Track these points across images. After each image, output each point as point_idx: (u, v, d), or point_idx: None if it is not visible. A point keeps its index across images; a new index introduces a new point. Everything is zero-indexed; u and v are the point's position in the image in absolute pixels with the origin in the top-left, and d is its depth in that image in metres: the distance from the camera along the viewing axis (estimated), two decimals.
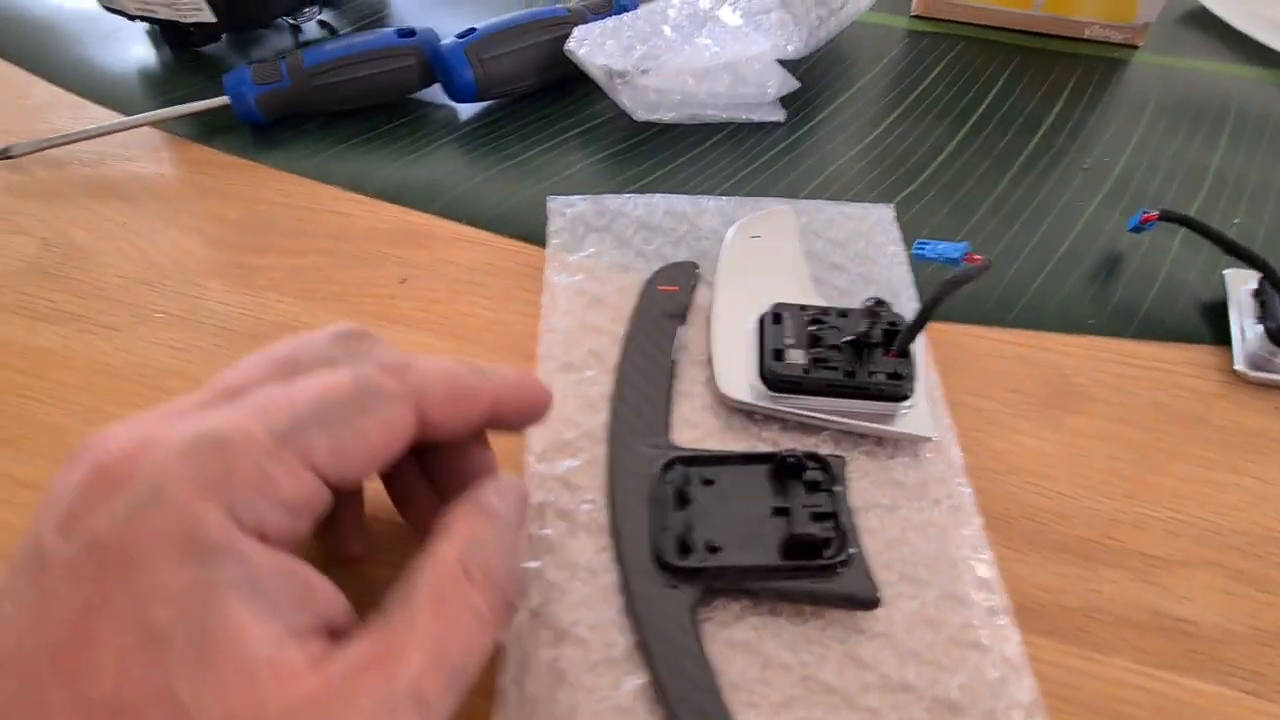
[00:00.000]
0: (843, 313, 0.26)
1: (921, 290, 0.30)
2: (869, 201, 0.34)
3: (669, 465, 0.23)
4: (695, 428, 0.26)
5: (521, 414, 0.21)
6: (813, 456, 0.23)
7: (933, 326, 0.29)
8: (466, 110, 0.39)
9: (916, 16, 0.45)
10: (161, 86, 0.41)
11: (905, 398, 0.25)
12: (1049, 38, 0.44)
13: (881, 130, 0.38)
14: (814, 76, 0.41)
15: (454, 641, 0.16)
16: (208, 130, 0.38)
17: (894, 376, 0.25)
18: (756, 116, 0.37)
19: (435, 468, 0.21)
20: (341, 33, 0.44)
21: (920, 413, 0.25)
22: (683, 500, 0.22)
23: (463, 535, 0.17)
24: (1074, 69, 0.42)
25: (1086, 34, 0.44)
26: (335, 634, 0.15)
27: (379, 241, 0.33)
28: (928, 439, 0.24)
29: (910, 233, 0.32)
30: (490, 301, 0.30)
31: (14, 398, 0.27)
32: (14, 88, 0.41)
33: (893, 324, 0.25)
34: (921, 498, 0.24)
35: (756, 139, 0.37)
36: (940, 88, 0.41)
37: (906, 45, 0.44)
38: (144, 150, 0.37)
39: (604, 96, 0.37)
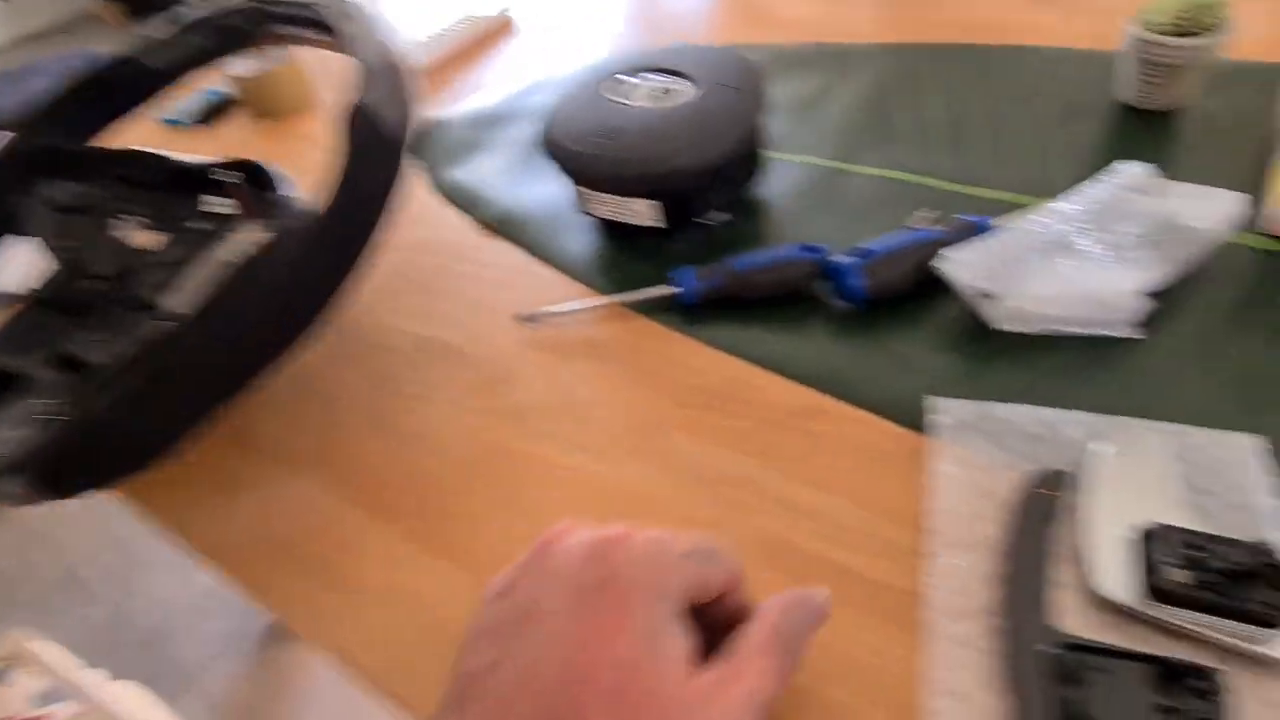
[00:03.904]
0: (1229, 541, 0.31)
1: None
2: (1234, 430, 0.37)
3: (1067, 649, 0.29)
4: (1069, 615, 0.32)
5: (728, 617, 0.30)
6: (1196, 667, 0.28)
7: None
8: (842, 305, 0.50)
9: (1269, 235, 0.48)
10: (611, 270, 0.57)
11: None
12: None
13: (1241, 355, 0.41)
14: (1170, 298, 0.45)
15: (768, 672, 0.26)
16: (651, 309, 0.52)
17: (1273, 607, 0.29)
18: (1114, 332, 0.43)
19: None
20: (736, 226, 0.58)
21: None
22: (1076, 682, 0.28)
23: (779, 608, 0.28)
24: None
25: None
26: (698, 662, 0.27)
27: (788, 412, 0.43)
28: None
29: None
30: (877, 474, 0.39)
31: (547, 496, 0.41)
32: (519, 267, 0.59)
33: (1274, 558, 0.29)
34: None
35: (1114, 354, 0.43)
36: None
37: (1262, 264, 0.46)
38: (612, 321, 0.52)
39: (964, 305, 0.45)
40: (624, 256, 0.58)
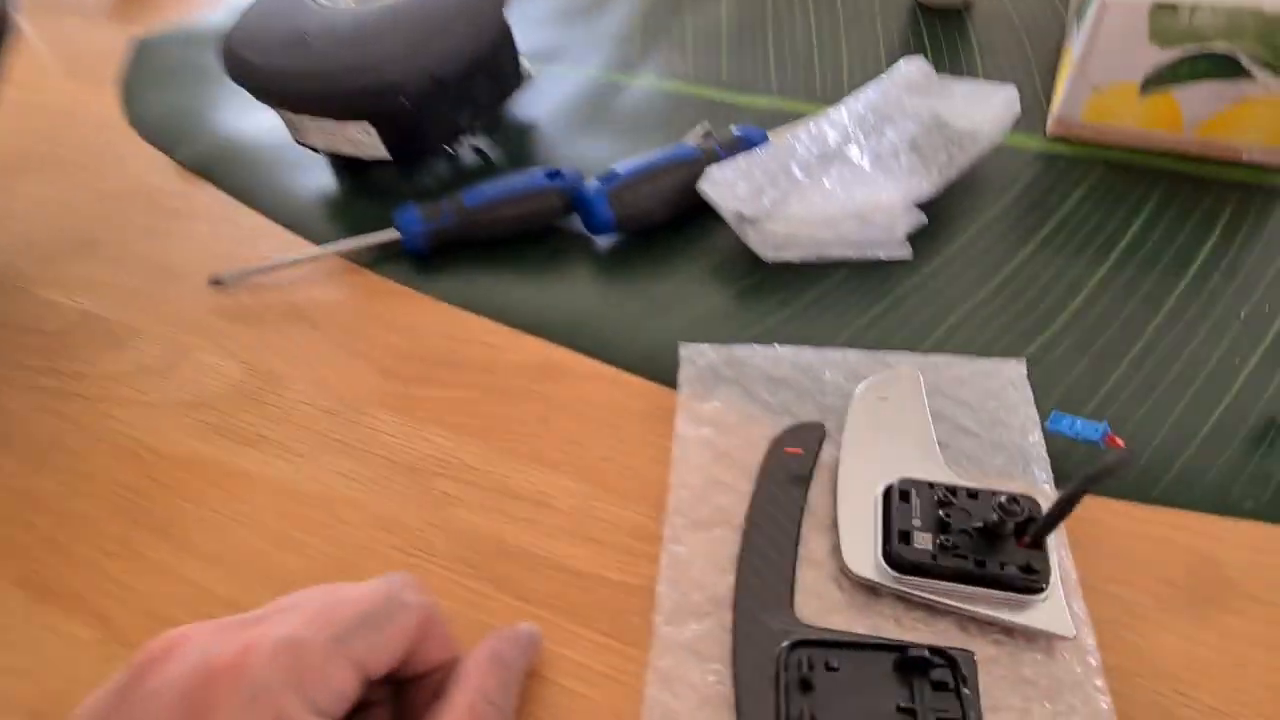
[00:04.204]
0: (973, 493, 0.27)
1: (1056, 464, 0.29)
2: (1000, 350, 0.34)
3: (794, 647, 0.24)
4: (818, 598, 0.26)
5: (406, 666, 0.23)
6: (940, 652, 0.23)
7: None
8: (603, 241, 0.42)
9: (1053, 139, 0.44)
10: (340, 212, 0.47)
11: (1038, 591, 0.25)
12: (1200, 161, 0.42)
13: (1013, 267, 0.38)
14: (941, 207, 0.41)
15: None
16: (379, 258, 0.43)
17: (1027, 570, 0.25)
18: (883, 254, 0.38)
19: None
20: (494, 158, 0.49)
21: (1056, 607, 0.25)
22: (806, 686, 0.23)
23: (472, 685, 0.22)
24: (1229, 198, 0.40)
25: (1244, 158, 0.41)
26: None
27: (523, 376, 0.36)
28: (1065, 638, 0.24)
29: (1044, 392, 0.32)
30: (624, 445, 0.32)
31: (221, 517, 0.32)
32: (224, 214, 0.48)
33: (1027, 514, 0.25)
34: (1055, 700, 0.23)
35: (882, 277, 0.38)
36: (1078, 218, 0.40)
37: (1040, 170, 0.43)
38: (328, 276, 0.42)
39: (732, 232, 0.39)
40: (356, 199, 0.47)
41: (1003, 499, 0.24)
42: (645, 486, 0.31)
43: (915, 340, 0.35)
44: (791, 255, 0.38)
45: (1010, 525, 0.25)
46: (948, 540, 0.25)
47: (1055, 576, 0.25)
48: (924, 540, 0.25)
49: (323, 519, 0.31)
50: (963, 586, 0.25)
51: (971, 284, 0.37)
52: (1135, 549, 0.27)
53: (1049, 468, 0.29)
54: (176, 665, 0.19)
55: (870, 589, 0.26)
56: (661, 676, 0.25)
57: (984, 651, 0.25)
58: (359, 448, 0.34)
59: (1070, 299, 0.36)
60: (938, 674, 0.23)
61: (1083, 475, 0.24)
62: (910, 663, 0.23)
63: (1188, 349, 0.33)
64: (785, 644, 0.24)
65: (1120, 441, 0.26)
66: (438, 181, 0.48)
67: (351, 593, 0.22)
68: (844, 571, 0.27)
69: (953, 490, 0.27)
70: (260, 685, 0.19)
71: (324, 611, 0.21)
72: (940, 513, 0.26)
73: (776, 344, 0.34)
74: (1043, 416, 0.31)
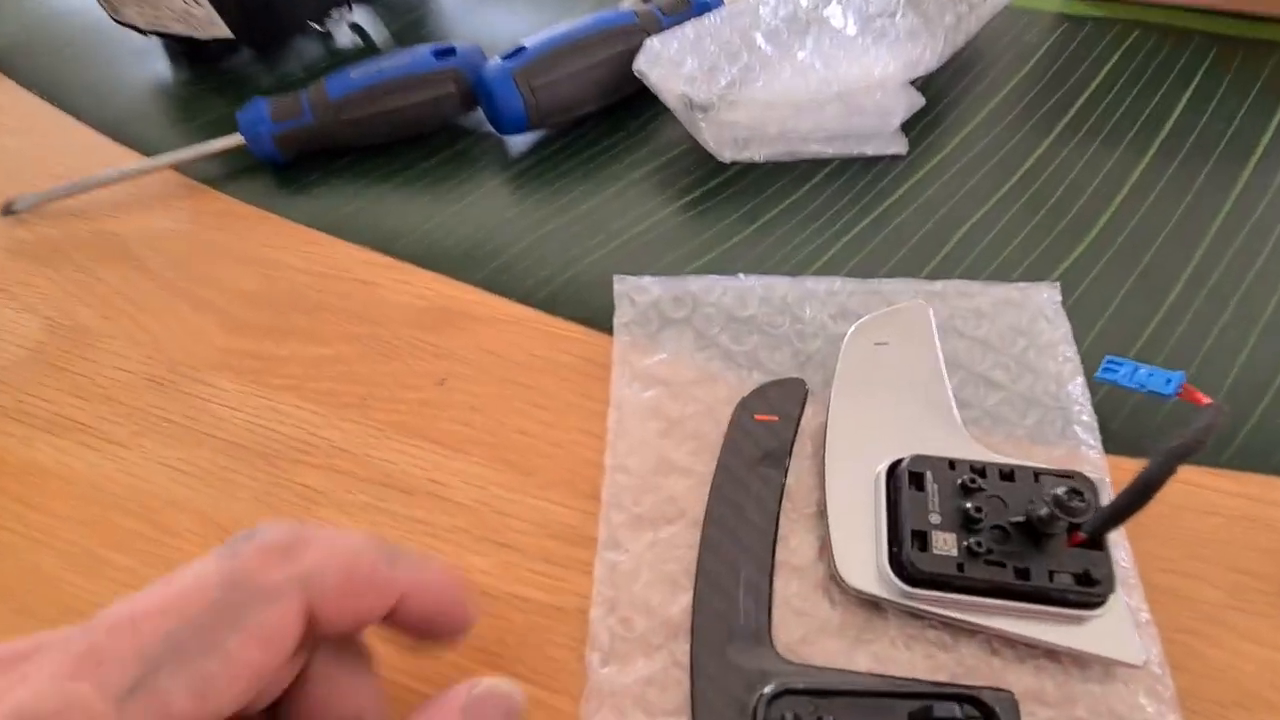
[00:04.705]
0: (1007, 473, 0.20)
1: (1101, 417, 0.22)
2: (1023, 274, 0.26)
3: (777, 696, 0.18)
4: (803, 619, 0.20)
5: (430, 625, 0.16)
6: (974, 701, 0.17)
7: (1113, 463, 0.22)
8: (516, 142, 0.33)
9: None
10: (180, 114, 0.36)
11: (1097, 605, 0.18)
12: (1259, 20, 0.34)
13: (1033, 163, 0.30)
14: (943, 86, 0.33)
15: None
16: (227, 171, 0.33)
17: (1084, 580, 0.18)
18: (871, 150, 0.30)
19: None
20: (377, 39, 0.38)
21: (1118, 624, 0.18)
22: None
23: None
24: None
25: None
26: None
27: (413, 324, 0.27)
28: (1132, 665, 0.18)
29: (1081, 321, 0.25)
30: (546, 414, 0.25)
31: (4, 533, 0.24)
32: (27, 118, 0.37)
33: (1078, 496, 0.18)
34: None
35: (872, 179, 0.30)
36: (1111, 97, 0.32)
37: (1063, 37, 0.34)
38: (159, 198, 0.33)
39: (680, 125, 0.30)
40: (200, 95, 0.37)
41: (1058, 488, 0.18)
42: (574, 470, 0.23)
43: (915, 263, 0.27)
44: (756, 154, 0.30)
45: (1065, 523, 0.18)
46: (977, 543, 0.18)
47: (1118, 586, 0.18)
48: (945, 543, 0.19)
49: (142, 529, 0.23)
50: (997, 601, 0.18)
51: (983, 186, 0.29)
52: (1205, 529, 0.21)
53: (1096, 429, 0.22)
54: None
55: (871, 604, 0.20)
56: None
57: (1022, 684, 0.19)
58: (193, 428, 0.25)
59: (1106, 203, 0.29)
60: None
61: (1170, 447, 0.17)
62: (928, 715, 0.17)
63: (1258, 263, 0.27)
64: (765, 690, 0.18)
65: (1202, 396, 0.19)
66: (307, 71, 0.37)
67: (159, 595, 0.13)
68: (836, 580, 0.20)
69: (980, 470, 0.20)
70: None
71: (108, 641, 0.12)
72: (966, 504, 0.19)
73: (740, 273, 0.26)
74: (1082, 358, 0.24)
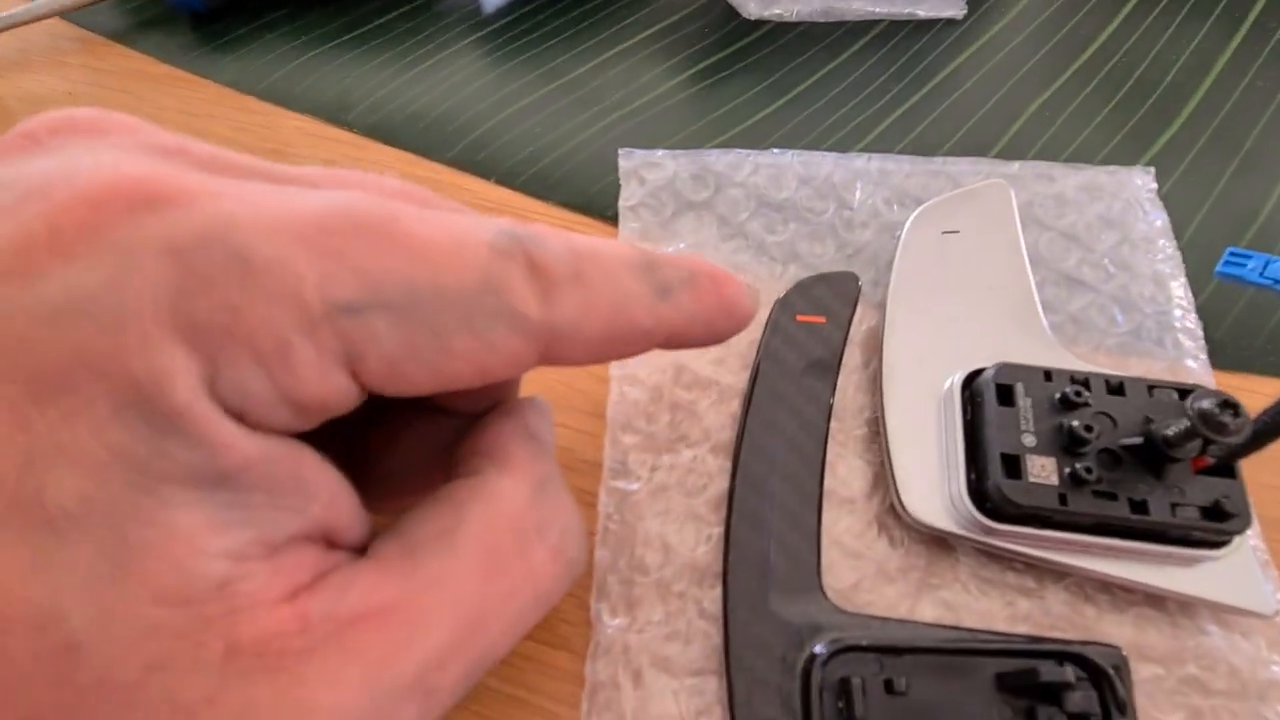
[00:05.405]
0: (1115, 385, 0.16)
1: (1209, 323, 0.19)
2: (1105, 158, 0.22)
3: (834, 654, 0.14)
4: (858, 560, 0.16)
5: (692, 344, 0.13)
6: (1077, 659, 0.14)
7: (1219, 379, 0.18)
8: None
9: None
10: None
11: (1223, 545, 0.15)
12: None
13: (1113, 32, 0.26)
14: None
15: (499, 618, 0.11)
16: (136, 23, 0.27)
17: (1214, 513, 0.15)
18: (923, 11, 0.25)
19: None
20: None
21: (1244, 567, 0.15)
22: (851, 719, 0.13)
23: (529, 474, 0.12)
24: None
25: None
26: (335, 547, 0.11)
27: None
28: (1261, 615, 0.15)
29: (1180, 210, 0.21)
30: None
31: None
32: None
33: (1231, 411, 0.14)
34: (1240, 715, 0.14)
35: (925, 45, 0.25)
36: None
37: None
38: (48, 53, 0.26)
39: None
40: None
41: (1204, 401, 0.14)
42: (569, 382, 0.19)
43: (978, 144, 0.23)
44: (788, 11, 0.25)
45: (1199, 445, 0.14)
46: (1086, 468, 0.15)
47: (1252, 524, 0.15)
48: (1043, 469, 0.15)
49: None
50: (1102, 540, 0.15)
51: (1054, 57, 0.25)
52: None
53: (1202, 338, 0.19)
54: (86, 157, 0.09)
55: (939, 541, 0.16)
56: (602, 704, 0.15)
57: (1121, 636, 0.15)
58: None
59: (1198, 78, 0.24)
60: (1077, 700, 0.13)
61: None
62: (1033, 684, 0.14)
63: None
64: (817, 648, 0.14)
65: None
66: None
67: (424, 228, 0.10)
68: (897, 514, 0.16)
69: (1084, 381, 0.16)
70: (117, 304, 0.08)
71: (362, 244, 0.10)
72: (1071, 422, 0.15)
73: (774, 149, 0.22)
74: (1182, 254, 0.20)
